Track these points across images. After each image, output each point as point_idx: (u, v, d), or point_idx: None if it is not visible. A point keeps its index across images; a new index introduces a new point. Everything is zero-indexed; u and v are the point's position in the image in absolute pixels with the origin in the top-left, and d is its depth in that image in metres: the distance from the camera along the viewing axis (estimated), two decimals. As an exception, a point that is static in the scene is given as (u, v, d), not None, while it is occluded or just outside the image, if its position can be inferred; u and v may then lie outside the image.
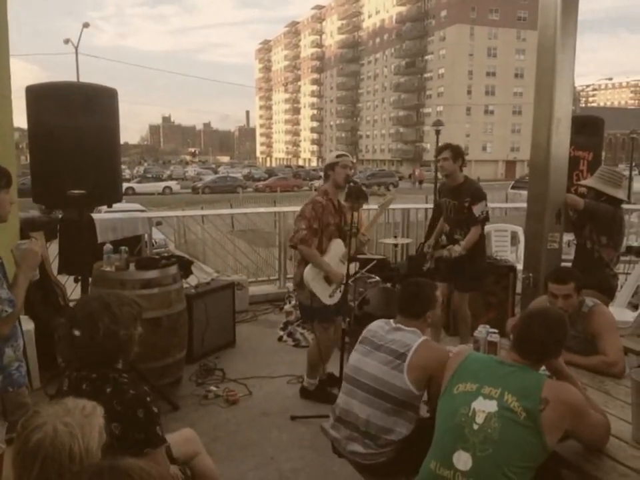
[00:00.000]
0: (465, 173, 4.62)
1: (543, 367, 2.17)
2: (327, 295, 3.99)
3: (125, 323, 1.98)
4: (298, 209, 4.19)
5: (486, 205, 4.54)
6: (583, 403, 1.99)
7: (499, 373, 2.04)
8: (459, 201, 4.52)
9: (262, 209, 11.89)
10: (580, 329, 2.92)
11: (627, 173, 23.43)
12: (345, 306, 4.16)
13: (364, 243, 4.32)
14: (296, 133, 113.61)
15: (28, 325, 4.11)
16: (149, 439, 1.88)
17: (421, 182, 45.21)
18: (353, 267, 4.08)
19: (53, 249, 5.01)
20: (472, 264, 4.51)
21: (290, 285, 6.91)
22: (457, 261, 4.40)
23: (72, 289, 4.99)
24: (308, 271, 3.92)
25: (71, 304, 4.76)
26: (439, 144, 5.54)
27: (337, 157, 4.06)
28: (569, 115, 4.03)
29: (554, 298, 2.93)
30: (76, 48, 28.31)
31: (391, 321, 2.63)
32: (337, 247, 4.04)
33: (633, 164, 29.91)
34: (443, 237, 4.75)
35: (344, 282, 3.90)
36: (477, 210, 4.45)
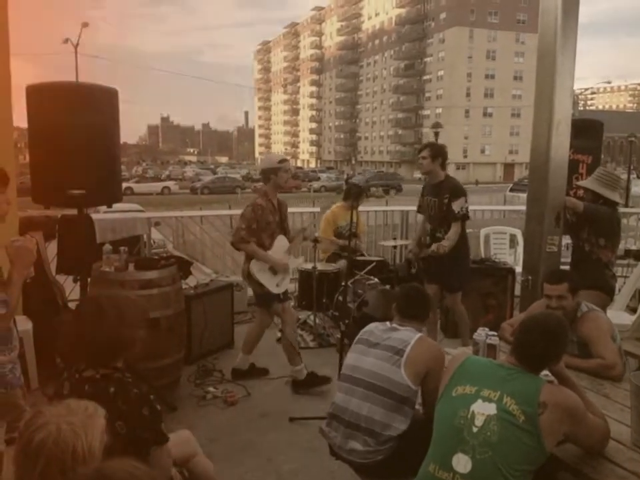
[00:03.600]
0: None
1: (546, 372, 2.16)
2: (274, 285, 4.31)
3: (131, 321, 2.00)
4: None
5: (465, 202, 4.56)
6: (581, 407, 1.99)
7: (498, 376, 2.04)
8: (439, 198, 4.57)
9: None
10: (575, 333, 2.93)
11: (624, 176, 23.45)
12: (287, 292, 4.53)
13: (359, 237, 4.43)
14: (295, 134, 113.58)
15: (26, 325, 4.10)
16: (155, 437, 1.88)
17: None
18: (300, 260, 4.36)
19: (52, 248, 4.99)
20: (457, 263, 4.55)
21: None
22: (442, 261, 4.43)
23: (70, 289, 4.98)
24: (253, 265, 4.24)
25: (70, 304, 4.75)
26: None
27: (280, 162, 4.32)
28: (569, 118, 4.03)
29: (548, 299, 2.95)
30: (75, 47, 28.33)
31: (387, 322, 2.68)
32: (280, 242, 4.35)
33: (631, 167, 29.87)
34: (427, 238, 4.77)
35: (288, 270, 4.42)
36: (456, 206, 4.48)
